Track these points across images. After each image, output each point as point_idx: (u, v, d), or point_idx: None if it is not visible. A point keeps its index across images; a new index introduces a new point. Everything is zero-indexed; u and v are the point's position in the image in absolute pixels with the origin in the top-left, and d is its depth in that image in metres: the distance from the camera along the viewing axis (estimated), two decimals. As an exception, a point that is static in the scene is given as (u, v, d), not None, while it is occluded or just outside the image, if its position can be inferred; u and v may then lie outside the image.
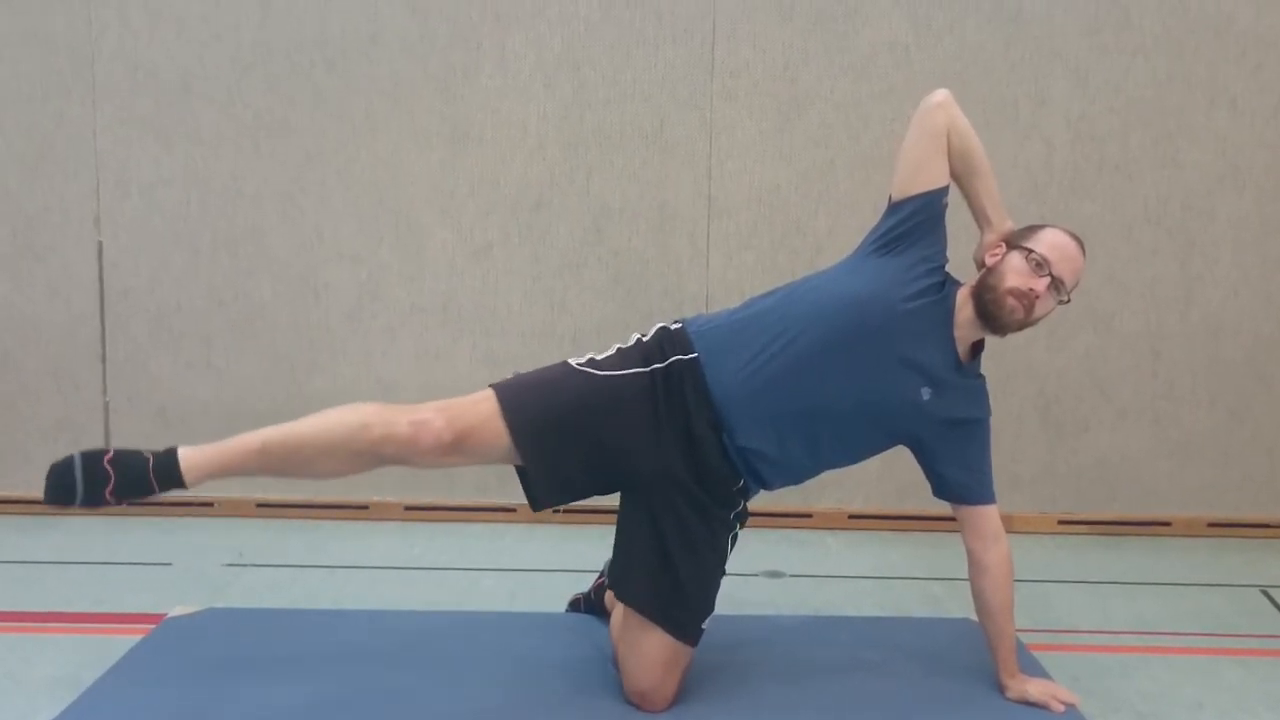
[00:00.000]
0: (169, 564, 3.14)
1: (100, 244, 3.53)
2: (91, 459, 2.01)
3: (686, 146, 3.50)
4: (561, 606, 2.71)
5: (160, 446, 2.06)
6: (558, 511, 3.50)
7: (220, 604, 2.71)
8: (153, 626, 2.51)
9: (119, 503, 2.02)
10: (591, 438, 2.09)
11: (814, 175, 3.51)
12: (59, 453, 3.59)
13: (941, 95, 2.18)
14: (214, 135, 3.50)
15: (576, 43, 3.47)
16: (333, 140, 3.51)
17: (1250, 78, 3.49)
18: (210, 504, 3.57)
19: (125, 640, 2.44)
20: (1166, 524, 3.64)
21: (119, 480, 2.00)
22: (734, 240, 3.54)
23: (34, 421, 3.58)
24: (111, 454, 2.02)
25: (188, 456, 2.03)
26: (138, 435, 3.55)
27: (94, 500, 2.00)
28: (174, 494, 3.48)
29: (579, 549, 3.19)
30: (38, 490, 3.49)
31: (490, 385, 2.12)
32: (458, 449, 2.03)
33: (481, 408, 2.07)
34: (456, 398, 2.09)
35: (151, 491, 2.01)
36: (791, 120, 3.49)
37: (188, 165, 3.51)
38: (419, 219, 3.54)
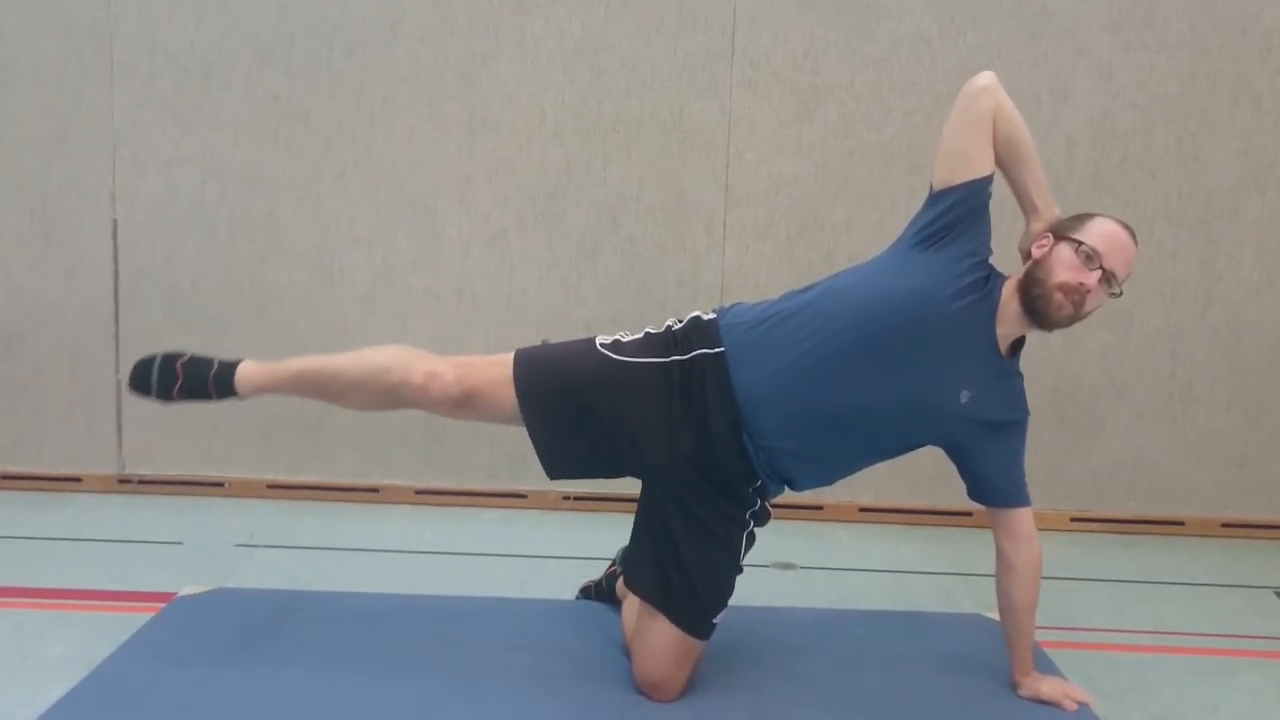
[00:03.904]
0: (180, 543, 3.15)
1: (116, 224, 3.53)
2: (168, 361, 2.23)
3: (705, 135, 3.49)
4: (572, 594, 2.71)
5: (228, 359, 2.26)
6: (568, 499, 3.54)
7: (230, 584, 2.72)
8: (163, 605, 2.52)
9: (184, 400, 2.24)
10: (596, 419, 2.09)
11: (833, 167, 3.49)
12: (73, 431, 3.65)
13: (987, 78, 2.08)
14: (232, 119, 3.49)
15: (596, 29, 3.45)
16: (350, 126, 3.50)
17: (1276, 77, 3.45)
18: (221, 484, 3.57)
19: (136, 618, 2.44)
20: (1180, 524, 3.62)
21: (185, 382, 2.22)
22: (751, 231, 3.52)
23: (48, 400, 3.59)
24: (186, 358, 2.24)
25: (245, 371, 2.23)
26: (151, 416, 3.57)
27: (164, 396, 2.23)
28: (190, 474, 3.47)
29: (591, 536, 3.18)
30: (52, 467, 3.60)
31: (516, 349, 2.17)
32: (465, 404, 2.12)
33: (495, 371, 2.13)
34: (479, 356, 2.22)
35: (209, 397, 2.23)
36: (811, 111, 3.47)
37: (205, 148, 3.50)
38: (435, 205, 3.54)
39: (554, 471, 2.16)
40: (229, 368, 2.23)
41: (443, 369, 2.11)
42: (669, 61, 3.46)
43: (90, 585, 2.79)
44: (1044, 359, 3.50)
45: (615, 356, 2.12)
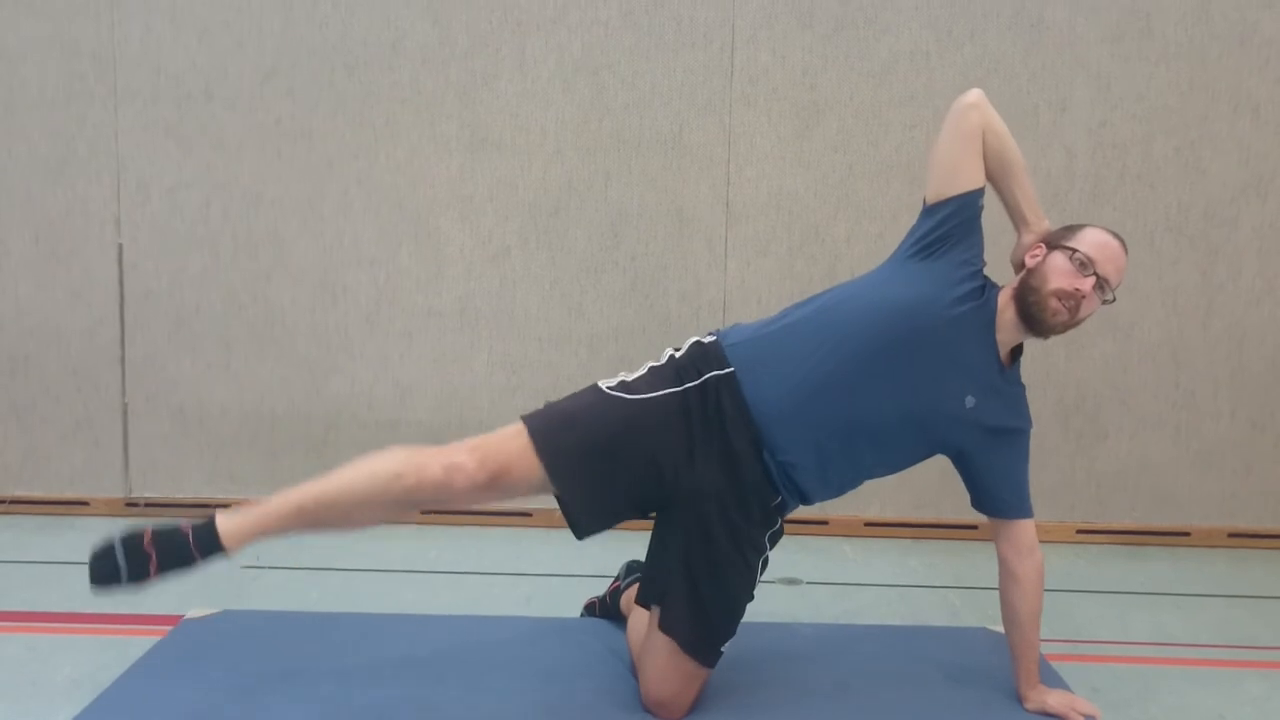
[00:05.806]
0: (186, 565, 3.15)
1: (121, 247, 3.55)
2: (131, 541, 1.97)
3: (705, 152, 3.50)
4: (578, 611, 2.71)
5: (199, 515, 2.04)
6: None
7: (237, 606, 2.72)
8: (170, 628, 2.52)
9: (163, 578, 1.98)
10: (627, 464, 2.05)
11: (832, 182, 3.50)
12: (79, 453, 3.66)
13: (975, 95, 2.14)
14: (235, 140, 3.51)
15: (596, 48, 3.47)
16: (353, 146, 3.52)
17: (1274, 86, 3.46)
18: (228, 506, 3.57)
19: (143, 641, 2.45)
20: (1186, 534, 3.62)
21: (161, 558, 1.96)
22: (752, 246, 3.54)
23: (54, 422, 3.61)
24: (149, 533, 1.97)
25: (226, 524, 2.01)
26: (156, 436, 3.60)
27: (139, 579, 1.97)
28: (197, 496, 3.48)
29: (596, 554, 3.16)
30: (59, 490, 3.61)
31: (521, 418, 2.08)
32: (493, 486, 2.00)
33: (513, 444, 2.02)
34: (487, 435, 2.04)
35: (194, 563, 2.00)
36: (810, 126, 3.49)
37: (209, 169, 3.52)
38: (437, 224, 3.55)
39: (584, 532, 2.10)
40: (206, 528, 2.00)
41: (459, 458, 1.97)
42: (669, 79, 3.48)
43: (97, 608, 2.79)
44: (1047, 370, 3.51)
45: (629, 397, 2.08)
